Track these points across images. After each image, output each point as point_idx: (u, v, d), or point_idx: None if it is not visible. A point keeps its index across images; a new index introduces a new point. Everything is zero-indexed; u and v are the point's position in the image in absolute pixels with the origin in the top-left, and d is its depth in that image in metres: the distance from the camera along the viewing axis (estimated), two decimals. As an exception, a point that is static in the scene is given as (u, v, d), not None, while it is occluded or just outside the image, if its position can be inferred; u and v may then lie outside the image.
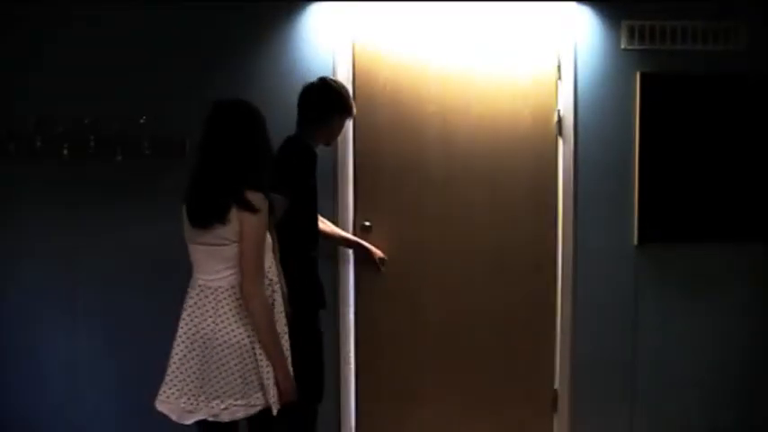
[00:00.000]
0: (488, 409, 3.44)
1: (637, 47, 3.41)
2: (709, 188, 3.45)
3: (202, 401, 2.17)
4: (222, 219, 2.13)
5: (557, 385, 3.47)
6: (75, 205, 3.25)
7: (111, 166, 3.21)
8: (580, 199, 3.42)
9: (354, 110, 3.00)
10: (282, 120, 3.30)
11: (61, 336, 3.28)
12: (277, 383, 2.21)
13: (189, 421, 2.19)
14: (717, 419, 3.49)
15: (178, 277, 3.27)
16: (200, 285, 2.24)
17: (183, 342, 2.21)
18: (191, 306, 2.24)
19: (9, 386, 3.27)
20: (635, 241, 3.44)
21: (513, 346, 3.44)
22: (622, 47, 3.42)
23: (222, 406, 2.16)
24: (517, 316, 3.44)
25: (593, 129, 3.42)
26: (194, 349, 2.19)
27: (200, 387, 2.18)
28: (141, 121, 3.16)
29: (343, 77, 3.26)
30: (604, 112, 3.43)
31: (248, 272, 2.15)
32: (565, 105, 3.41)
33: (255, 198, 2.15)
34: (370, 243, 3.31)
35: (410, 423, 3.40)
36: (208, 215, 2.15)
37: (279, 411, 2.22)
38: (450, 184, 3.39)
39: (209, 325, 2.18)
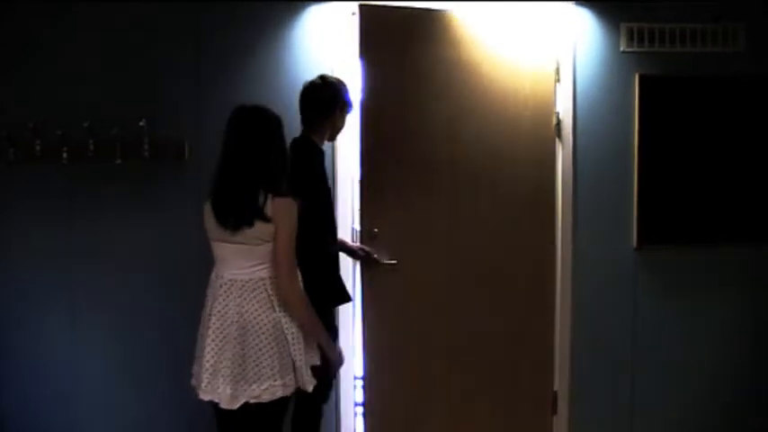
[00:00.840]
0: (488, 410, 3.44)
1: (636, 49, 3.42)
2: (708, 191, 3.46)
3: (244, 385, 2.29)
4: (263, 218, 2.25)
5: (556, 387, 3.47)
6: (74, 208, 3.25)
7: (111, 169, 3.20)
8: (579, 202, 3.42)
9: (353, 103, 3.02)
10: (281, 120, 3.31)
11: (60, 337, 3.28)
12: (325, 357, 2.47)
13: (236, 406, 2.29)
14: (716, 421, 3.50)
15: (177, 278, 3.30)
16: (229, 280, 2.34)
17: (218, 334, 2.32)
18: (221, 300, 2.34)
19: (7, 386, 3.26)
20: (634, 244, 3.44)
21: (512, 349, 3.43)
22: (621, 49, 3.42)
23: (263, 386, 2.29)
24: (516, 317, 3.44)
25: (592, 131, 3.43)
26: (230, 339, 2.30)
27: (240, 373, 2.29)
28: (140, 123, 3.15)
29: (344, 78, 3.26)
30: (603, 114, 3.43)
31: (284, 268, 2.30)
32: (564, 108, 3.41)
33: (285, 201, 2.29)
34: (376, 247, 3.21)
35: (409, 421, 3.39)
36: (240, 220, 2.26)
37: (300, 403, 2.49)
38: (455, 188, 3.34)
39: (242, 314, 2.30)
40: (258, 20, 3.29)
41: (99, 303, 3.29)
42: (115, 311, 3.29)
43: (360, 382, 3.36)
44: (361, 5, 3.11)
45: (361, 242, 3.23)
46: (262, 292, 2.31)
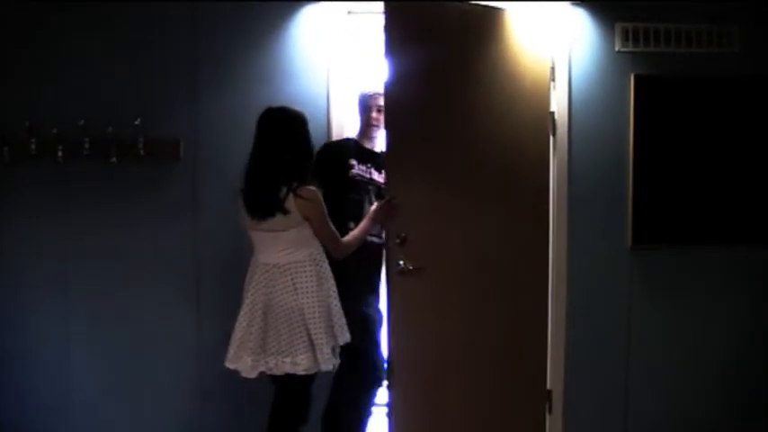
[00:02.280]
0: (483, 409, 3.44)
1: (631, 49, 3.42)
2: (703, 190, 3.47)
3: (262, 358, 2.60)
4: (282, 210, 2.55)
5: (551, 386, 3.48)
6: (69, 207, 3.25)
7: (106, 168, 3.21)
8: (574, 201, 3.43)
9: (372, 98, 3.19)
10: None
11: (55, 337, 3.28)
12: (378, 221, 2.90)
13: (254, 375, 2.63)
14: (711, 421, 3.51)
15: (173, 277, 3.31)
16: (264, 264, 2.65)
17: (247, 312, 2.63)
18: (254, 281, 2.65)
19: (5, 386, 3.27)
20: (629, 243, 3.45)
21: (506, 347, 3.43)
22: (617, 49, 3.43)
23: (279, 360, 2.59)
24: (509, 316, 3.43)
25: (587, 131, 3.43)
26: (257, 317, 2.61)
27: (261, 346, 2.61)
28: (136, 122, 3.16)
29: (339, 79, 3.27)
30: (598, 113, 3.44)
31: (329, 242, 2.68)
32: (559, 107, 3.42)
33: (308, 190, 2.59)
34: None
35: (430, 421, 3.35)
36: (268, 209, 2.56)
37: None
38: (469, 190, 3.21)
39: (268, 295, 2.61)
40: (254, 19, 3.29)
41: (95, 303, 3.29)
42: (112, 311, 3.30)
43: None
44: (386, 3, 2.97)
45: (386, 248, 3.06)
46: (286, 277, 2.60)
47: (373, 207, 2.99)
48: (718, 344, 3.52)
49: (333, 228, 2.69)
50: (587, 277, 3.45)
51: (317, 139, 3.26)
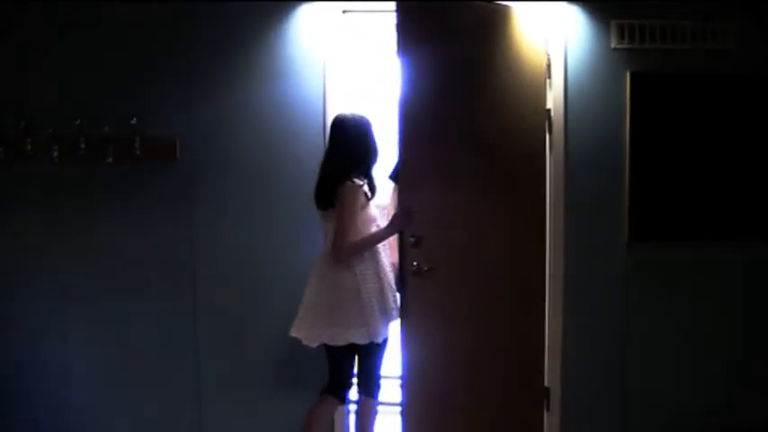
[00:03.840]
0: (483, 408, 3.44)
1: (627, 46, 3.42)
2: (699, 187, 3.47)
3: (320, 329, 2.89)
4: (333, 203, 2.87)
5: (548, 384, 3.48)
6: (66, 207, 3.25)
7: (103, 168, 3.20)
8: (571, 198, 3.43)
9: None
10: (273, 119, 3.32)
11: (52, 337, 3.28)
12: (397, 228, 2.97)
13: (314, 344, 2.91)
14: (708, 418, 3.51)
15: (169, 277, 3.31)
16: (325, 249, 2.95)
17: (312, 289, 2.94)
18: (318, 264, 2.97)
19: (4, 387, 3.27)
20: (626, 240, 3.46)
21: (503, 345, 3.44)
22: (612, 46, 3.43)
23: (333, 332, 2.88)
24: (507, 314, 3.43)
25: (583, 128, 3.43)
26: (321, 295, 2.91)
27: (319, 318, 2.90)
28: (132, 122, 3.16)
29: (335, 78, 3.27)
30: (595, 111, 3.44)
31: (336, 236, 2.85)
32: (555, 104, 3.42)
33: (348, 184, 2.85)
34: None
35: (441, 421, 3.34)
36: (326, 201, 2.91)
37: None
38: (477, 188, 3.20)
39: (327, 275, 2.91)
40: (250, 19, 3.29)
41: (91, 302, 3.29)
42: (108, 310, 3.30)
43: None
44: (398, 2, 2.94)
45: (399, 248, 3.10)
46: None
47: (392, 214, 3.06)
48: (717, 340, 3.52)
49: (348, 229, 2.84)
50: (584, 274, 3.45)
51: (315, 139, 3.30)
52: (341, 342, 2.90)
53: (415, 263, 2.99)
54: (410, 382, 3.07)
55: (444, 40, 3.12)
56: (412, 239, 2.99)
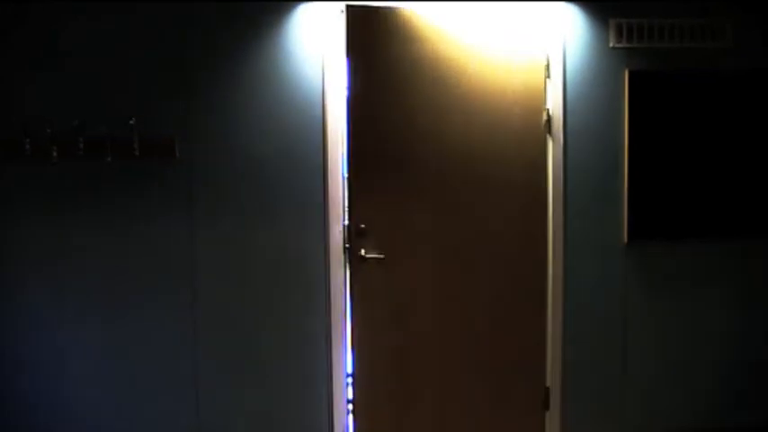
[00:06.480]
0: (480, 406, 3.44)
1: (625, 45, 3.43)
2: (698, 185, 3.47)
3: None
4: None
5: (548, 383, 3.48)
6: (64, 207, 3.25)
7: (101, 168, 3.20)
8: (570, 197, 3.43)
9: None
10: (272, 119, 3.32)
11: (49, 336, 3.27)
12: None
13: None
14: (707, 417, 3.51)
15: (169, 276, 3.30)
16: None
17: None
18: None
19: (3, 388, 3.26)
20: (625, 239, 3.45)
21: (503, 344, 3.44)
22: (611, 45, 3.43)
23: None
24: (507, 313, 3.44)
25: (582, 127, 3.44)
26: None
27: None
28: (130, 122, 3.15)
29: (334, 77, 3.27)
30: (594, 110, 3.45)
31: None
32: (554, 104, 3.42)
33: None
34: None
35: (403, 420, 3.40)
36: None
37: None
38: (444, 182, 3.37)
39: None
40: (248, 19, 3.29)
41: (91, 302, 3.28)
42: (106, 310, 3.29)
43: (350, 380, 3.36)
44: (347, 5, 3.14)
45: (349, 237, 3.28)
46: None
47: None
48: (715, 337, 3.52)
49: None
50: (584, 273, 3.45)
51: (315, 138, 3.30)
52: None
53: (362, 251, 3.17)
54: (360, 378, 3.19)
55: (393, 43, 3.29)
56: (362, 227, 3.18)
